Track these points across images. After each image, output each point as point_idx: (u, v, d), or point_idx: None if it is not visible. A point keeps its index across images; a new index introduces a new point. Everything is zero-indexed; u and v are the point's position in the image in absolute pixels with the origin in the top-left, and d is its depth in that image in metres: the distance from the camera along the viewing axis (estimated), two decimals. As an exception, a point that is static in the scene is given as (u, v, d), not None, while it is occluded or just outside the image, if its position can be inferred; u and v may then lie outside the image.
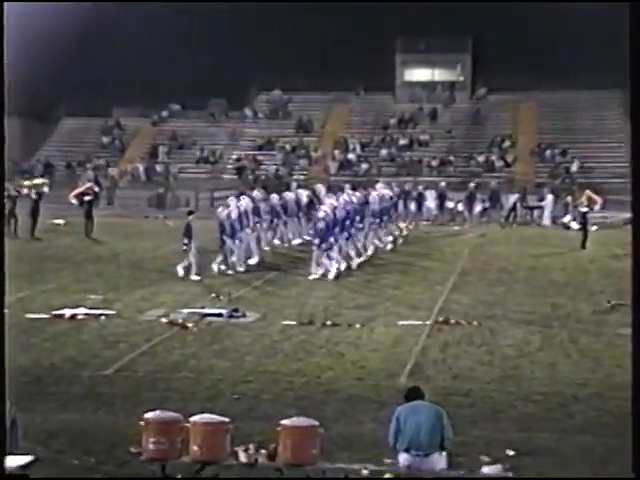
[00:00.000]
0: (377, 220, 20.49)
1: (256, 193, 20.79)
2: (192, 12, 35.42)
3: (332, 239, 16.75)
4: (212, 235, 17.84)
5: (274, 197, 21.56)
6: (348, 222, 17.61)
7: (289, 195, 22.50)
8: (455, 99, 41.40)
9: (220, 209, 17.97)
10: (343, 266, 17.25)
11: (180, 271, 16.74)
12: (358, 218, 18.48)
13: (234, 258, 17.50)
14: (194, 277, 16.69)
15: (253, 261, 18.28)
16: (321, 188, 30.99)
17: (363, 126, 40.55)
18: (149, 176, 38.26)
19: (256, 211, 19.38)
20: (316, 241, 16.77)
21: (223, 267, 17.27)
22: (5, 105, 4.55)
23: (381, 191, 22.41)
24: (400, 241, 22.64)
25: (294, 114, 41.76)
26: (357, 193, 20.54)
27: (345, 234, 17.34)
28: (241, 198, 19.05)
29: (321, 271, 16.74)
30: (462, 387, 9.58)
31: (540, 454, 7.32)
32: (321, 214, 17.00)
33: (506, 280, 17.43)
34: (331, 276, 16.53)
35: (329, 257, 16.78)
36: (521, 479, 6.81)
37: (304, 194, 23.26)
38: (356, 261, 17.98)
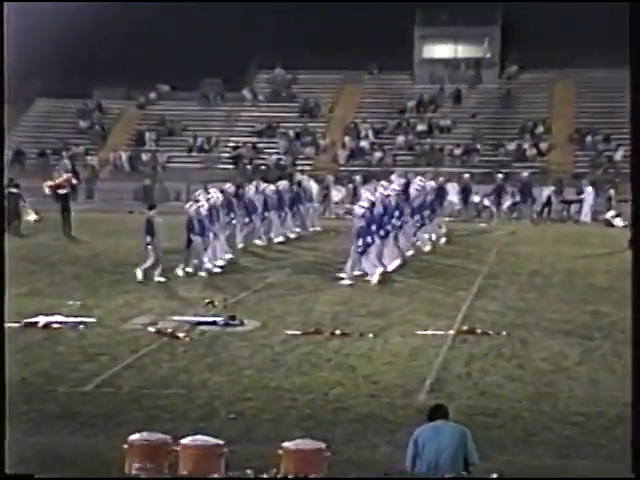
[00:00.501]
0: (418, 217, 20.49)
1: (229, 185, 21.01)
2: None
3: (369, 239, 16.85)
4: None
5: (267, 188, 22.23)
6: (387, 219, 17.68)
7: (270, 188, 22.81)
8: (481, 78, 41.39)
9: (188, 204, 18.24)
10: (392, 267, 17.47)
11: (139, 274, 16.92)
12: (397, 214, 18.48)
13: (205, 258, 17.71)
14: (158, 279, 16.89)
15: (221, 262, 18.52)
16: (330, 180, 31.17)
17: (377, 110, 40.59)
18: (134, 166, 38.43)
19: (230, 206, 19.86)
20: (358, 242, 16.80)
21: (190, 269, 17.44)
22: (5, 106, 4.79)
23: (422, 183, 22.23)
24: (443, 240, 22.60)
25: (298, 96, 41.83)
26: (394, 185, 20.45)
27: (382, 233, 17.33)
28: (212, 192, 19.40)
29: (355, 275, 16.78)
30: (489, 406, 9.60)
31: (580, 484, 7.46)
32: (360, 210, 17.05)
33: (539, 284, 17.45)
34: (374, 280, 16.65)
35: (367, 260, 16.88)
36: (522, 479, 7.20)
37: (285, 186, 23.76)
38: (395, 264, 18.02)
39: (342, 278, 16.98)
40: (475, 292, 16.12)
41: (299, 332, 12.80)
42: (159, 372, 10.83)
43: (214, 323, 13.20)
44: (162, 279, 16.86)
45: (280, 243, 22.24)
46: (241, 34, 37.49)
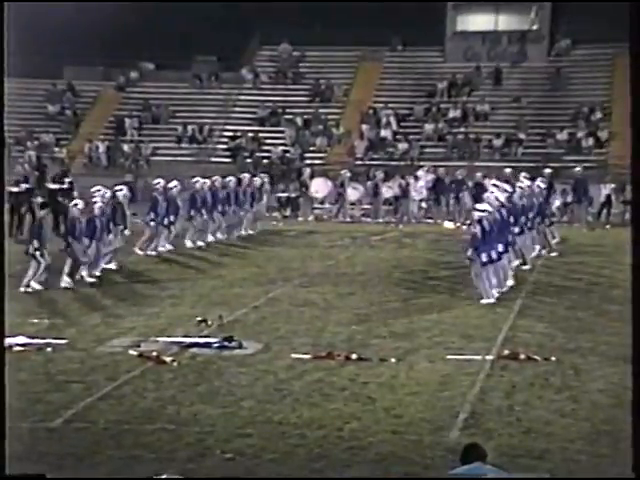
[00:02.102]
0: (527, 222, 20.63)
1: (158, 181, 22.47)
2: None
3: (493, 252, 16.81)
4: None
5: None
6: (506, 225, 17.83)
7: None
8: (527, 55, 41.42)
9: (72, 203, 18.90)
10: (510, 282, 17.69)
11: (35, 286, 17.25)
12: (513, 220, 18.68)
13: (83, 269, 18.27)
14: (35, 286, 17.35)
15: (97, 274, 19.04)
16: (345, 176, 31.18)
17: (400, 93, 40.66)
18: (113, 159, 38.62)
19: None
20: (469, 253, 16.89)
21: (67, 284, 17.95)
22: (5, 105, 5.14)
23: (530, 182, 22.42)
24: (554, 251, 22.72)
25: (307, 76, 41.95)
26: (504, 185, 20.57)
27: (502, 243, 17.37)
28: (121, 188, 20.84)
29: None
30: (536, 446, 9.61)
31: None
32: (480, 214, 16.94)
33: (596, 301, 17.40)
34: (488, 300, 16.65)
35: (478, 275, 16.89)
36: (522, 479, 7.54)
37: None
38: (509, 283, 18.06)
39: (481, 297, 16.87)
40: (518, 309, 16.19)
41: (308, 356, 12.87)
42: (142, 404, 10.88)
43: (207, 345, 13.31)
44: (38, 287, 17.34)
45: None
46: (240, 3, 37.60)
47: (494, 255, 16.73)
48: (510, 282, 17.99)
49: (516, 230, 18.55)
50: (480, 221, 16.62)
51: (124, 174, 35.55)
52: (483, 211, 16.88)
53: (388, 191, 31.37)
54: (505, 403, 10.98)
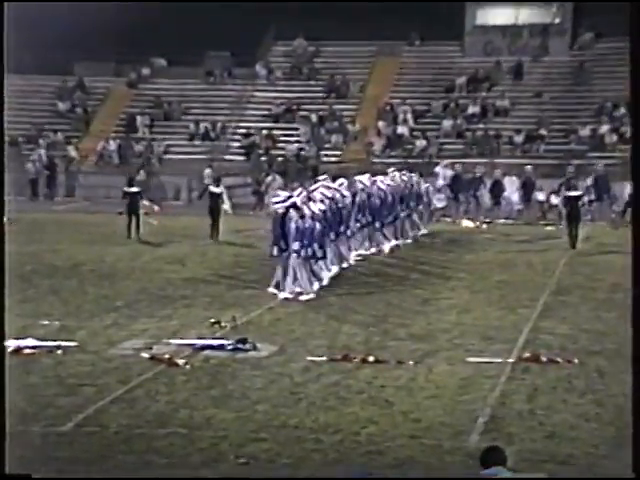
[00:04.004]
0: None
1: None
2: None
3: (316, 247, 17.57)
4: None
5: None
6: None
7: None
8: (548, 49, 41.25)
9: None
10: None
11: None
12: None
13: None
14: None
15: None
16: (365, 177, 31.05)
17: (418, 88, 40.57)
18: (124, 157, 38.67)
19: None
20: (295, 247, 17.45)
21: None
22: (5, 104, 5.46)
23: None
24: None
25: (323, 72, 41.90)
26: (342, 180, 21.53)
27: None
28: None
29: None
30: (559, 451, 9.58)
31: None
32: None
33: (621, 301, 17.28)
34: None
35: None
36: (522, 479, 7.63)
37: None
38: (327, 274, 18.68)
39: None
40: (540, 310, 16.18)
41: (324, 358, 12.88)
42: (154, 407, 10.85)
43: (221, 347, 13.32)
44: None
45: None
46: (254, -3, 37.58)
47: (317, 251, 17.22)
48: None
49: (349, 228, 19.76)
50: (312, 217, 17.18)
51: (135, 172, 35.66)
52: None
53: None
54: (527, 407, 10.92)
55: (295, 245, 16.90)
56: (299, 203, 17.40)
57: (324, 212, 18.20)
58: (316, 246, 17.16)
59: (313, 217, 17.32)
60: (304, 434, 9.93)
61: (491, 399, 11.14)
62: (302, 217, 17.07)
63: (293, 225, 17.03)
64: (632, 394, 5.94)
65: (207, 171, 32.55)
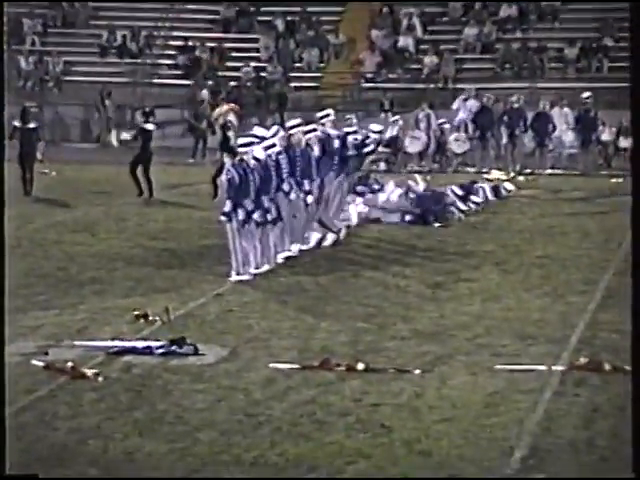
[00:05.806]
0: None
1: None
2: None
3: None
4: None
5: None
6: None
7: None
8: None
9: None
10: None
11: None
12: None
13: None
14: None
15: None
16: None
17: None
18: (5, 79, 34.68)
19: None
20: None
21: None
22: (5, 104, 6.94)
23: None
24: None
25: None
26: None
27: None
28: None
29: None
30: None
31: None
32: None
33: None
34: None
35: None
36: (523, 479, 8.31)
37: None
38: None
39: None
40: (601, 298, 14.63)
41: (294, 366, 11.57)
42: (50, 439, 9.62)
43: (148, 351, 12.07)
44: None
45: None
46: None
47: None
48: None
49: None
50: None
51: (23, 100, 28.06)
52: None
53: (413, 143, 27.22)
54: (582, 435, 9.66)
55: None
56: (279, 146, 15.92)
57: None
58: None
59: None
60: (266, 472, 8.96)
61: (531, 424, 9.94)
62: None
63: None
64: (632, 394, 5.83)
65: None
